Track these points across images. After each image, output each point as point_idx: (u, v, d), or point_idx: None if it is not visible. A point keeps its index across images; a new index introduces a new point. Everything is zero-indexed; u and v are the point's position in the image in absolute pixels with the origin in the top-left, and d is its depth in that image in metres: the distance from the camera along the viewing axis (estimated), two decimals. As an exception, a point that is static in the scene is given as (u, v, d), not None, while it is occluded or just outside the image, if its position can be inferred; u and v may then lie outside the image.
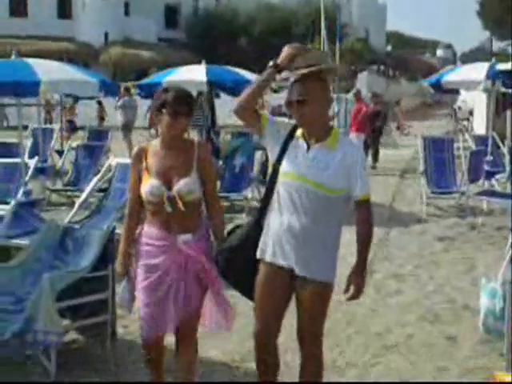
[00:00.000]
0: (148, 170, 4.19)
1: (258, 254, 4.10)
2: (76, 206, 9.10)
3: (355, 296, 4.06)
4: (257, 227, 4.12)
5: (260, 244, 4.09)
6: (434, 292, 7.46)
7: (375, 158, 18.75)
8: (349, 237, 4.30)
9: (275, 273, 4.05)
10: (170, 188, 4.13)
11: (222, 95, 13.04)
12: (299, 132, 4.03)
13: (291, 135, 4.05)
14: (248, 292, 4.20)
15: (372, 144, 18.64)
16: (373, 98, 19.78)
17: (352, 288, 4.02)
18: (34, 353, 5.17)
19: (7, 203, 8.54)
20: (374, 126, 18.66)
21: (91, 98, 19.25)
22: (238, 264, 4.19)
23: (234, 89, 11.74)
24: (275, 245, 4.02)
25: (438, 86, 13.44)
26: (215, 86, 12.23)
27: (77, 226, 8.30)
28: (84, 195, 9.22)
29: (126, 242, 4.36)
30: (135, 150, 4.34)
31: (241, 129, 15.61)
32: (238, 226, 4.33)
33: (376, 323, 6.43)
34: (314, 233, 3.96)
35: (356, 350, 5.79)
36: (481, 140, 15.01)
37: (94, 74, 10.69)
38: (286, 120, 4.38)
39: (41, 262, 5.59)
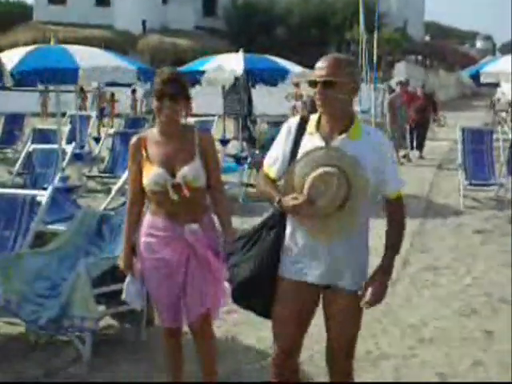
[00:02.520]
0: (149, 159, 4.04)
1: (280, 272, 3.62)
2: (112, 192, 9.10)
3: (373, 303, 3.55)
4: (276, 244, 3.61)
5: (282, 259, 3.60)
6: (471, 285, 7.37)
7: (421, 148, 18.55)
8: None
9: (300, 289, 3.59)
10: (173, 176, 4.00)
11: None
12: (311, 127, 3.54)
13: (302, 128, 3.57)
14: (264, 311, 3.76)
15: (420, 134, 18.42)
16: (421, 88, 19.47)
17: (371, 294, 3.53)
18: (69, 338, 5.24)
19: (45, 189, 8.62)
20: (423, 116, 18.43)
21: (129, 85, 19.43)
22: (254, 292, 3.70)
23: (271, 78, 11.70)
24: (300, 259, 3.56)
25: (477, 78, 13.26)
26: (252, 74, 12.16)
27: (113, 213, 8.41)
28: (120, 182, 9.20)
29: (130, 236, 4.26)
30: (133, 140, 4.13)
31: (277, 118, 15.65)
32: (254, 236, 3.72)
33: (411, 315, 6.36)
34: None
35: (391, 341, 5.73)
36: (520, 132, 14.80)
37: (132, 61, 10.74)
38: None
39: (77, 248, 5.63)
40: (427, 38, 69.36)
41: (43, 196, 5.95)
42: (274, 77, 11.70)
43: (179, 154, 4.04)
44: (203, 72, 11.65)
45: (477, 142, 12.38)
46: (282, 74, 12.05)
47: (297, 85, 21.30)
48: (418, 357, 5.44)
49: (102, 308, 5.34)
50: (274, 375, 3.79)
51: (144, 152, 4.07)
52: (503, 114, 29.80)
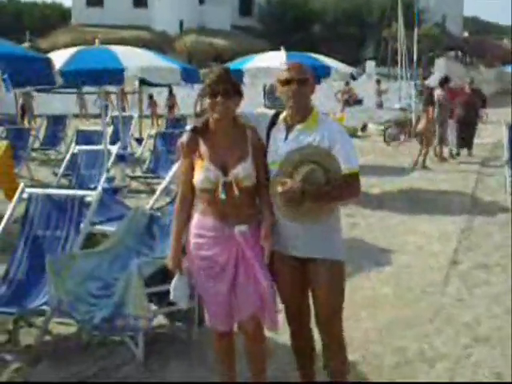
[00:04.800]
0: (201, 156, 4.04)
1: (273, 245, 4.11)
2: (157, 192, 9.08)
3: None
4: None
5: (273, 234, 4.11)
6: (523, 283, 7.23)
7: (470, 145, 18.21)
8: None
9: (285, 261, 4.12)
10: (225, 174, 3.99)
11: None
12: (280, 119, 4.13)
13: (273, 123, 4.16)
14: None
15: (469, 131, 18.06)
16: (469, 83, 19.01)
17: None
18: (122, 338, 5.26)
19: (91, 189, 8.67)
20: (471, 113, 18.08)
21: (168, 86, 19.50)
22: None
23: (314, 75, 11.60)
24: (280, 235, 4.07)
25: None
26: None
27: (159, 213, 8.42)
28: (165, 182, 9.22)
29: (179, 236, 4.23)
30: (185, 136, 4.07)
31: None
32: None
33: (464, 314, 6.26)
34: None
35: (446, 341, 5.64)
36: None
37: (175, 61, 10.75)
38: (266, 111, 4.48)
39: (128, 248, 5.64)
40: (466, 34, 68.49)
41: (92, 196, 5.95)
42: (317, 74, 11.57)
43: (232, 152, 4.03)
44: (245, 71, 11.61)
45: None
46: (325, 71, 11.98)
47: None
48: (474, 356, 5.35)
49: (154, 307, 5.34)
50: (292, 345, 4.46)
51: (196, 148, 4.06)
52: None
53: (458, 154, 17.75)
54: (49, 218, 5.93)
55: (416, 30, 26.54)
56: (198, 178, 4.02)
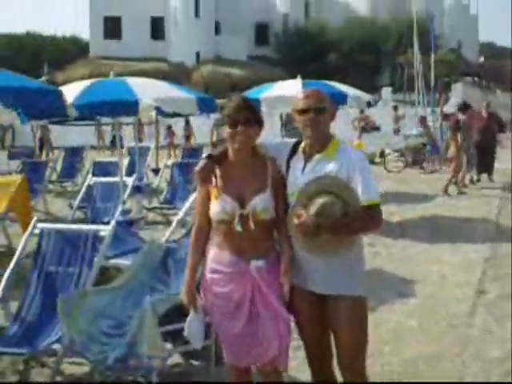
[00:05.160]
0: (218, 187, 3.89)
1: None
2: (174, 223, 8.91)
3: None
4: None
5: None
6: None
7: (490, 170, 17.96)
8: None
9: (303, 296, 3.95)
10: (242, 206, 3.84)
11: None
12: (300, 148, 4.00)
13: (293, 152, 4.02)
14: None
15: (487, 155, 17.81)
16: (486, 107, 18.80)
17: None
18: (135, 378, 5.05)
19: (106, 223, 8.54)
20: (488, 137, 17.84)
21: (185, 116, 19.43)
22: None
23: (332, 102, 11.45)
24: (298, 268, 3.90)
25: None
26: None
27: (175, 245, 8.25)
28: (182, 213, 9.06)
29: (193, 269, 4.07)
30: (202, 165, 3.90)
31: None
32: None
33: (493, 348, 6.00)
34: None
35: (475, 376, 5.39)
36: None
37: (191, 91, 10.64)
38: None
39: (142, 283, 5.45)
40: (481, 59, 68.40)
41: (106, 231, 5.78)
42: (334, 101, 11.42)
43: (251, 184, 3.88)
44: (262, 100, 11.47)
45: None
46: (341, 98, 11.80)
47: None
48: (505, 393, 5.11)
49: (169, 346, 5.13)
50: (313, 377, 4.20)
51: (214, 178, 3.90)
52: None
53: (478, 180, 17.53)
54: (61, 253, 5.74)
55: (432, 55, 26.41)
56: (214, 209, 3.88)
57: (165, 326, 4.88)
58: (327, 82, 12.82)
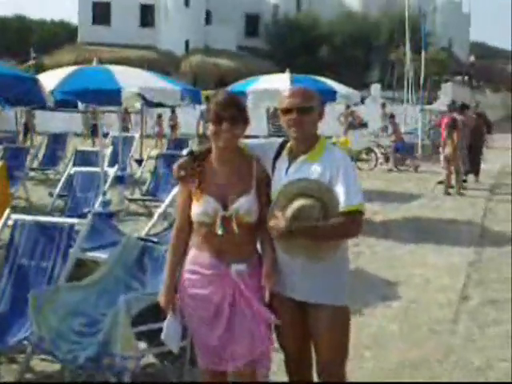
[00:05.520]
0: (201, 187, 3.70)
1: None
2: (155, 217, 8.78)
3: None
4: None
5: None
6: (537, 322, 6.83)
7: (477, 171, 17.89)
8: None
9: (283, 301, 3.76)
10: (225, 207, 3.66)
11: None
12: (286, 149, 3.80)
13: (279, 152, 3.83)
14: None
15: (475, 156, 17.73)
16: (475, 108, 18.73)
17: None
18: (107, 377, 4.88)
19: (85, 213, 8.36)
20: (476, 138, 17.75)
21: (171, 106, 19.20)
22: None
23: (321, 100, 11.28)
24: (279, 273, 3.71)
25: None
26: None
27: (156, 240, 8.07)
28: (163, 206, 8.91)
29: (172, 271, 3.87)
30: (181, 162, 3.73)
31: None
32: None
33: (476, 356, 5.87)
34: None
35: (457, 386, 5.27)
36: None
37: (175, 82, 10.43)
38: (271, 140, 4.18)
39: (117, 281, 5.26)
40: (472, 59, 68.52)
41: (82, 225, 5.59)
42: (323, 98, 11.23)
43: (235, 185, 3.70)
44: (248, 93, 11.27)
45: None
46: (330, 95, 11.62)
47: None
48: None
49: (143, 346, 4.96)
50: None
51: (196, 178, 3.72)
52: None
53: (464, 181, 17.45)
54: (35, 246, 5.55)
55: (423, 53, 26.31)
56: (196, 210, 3.70)
57: (140, 326, 4.71)
58: (317, 77, 12.63)
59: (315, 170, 3.64)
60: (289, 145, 3.81)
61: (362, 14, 55.07)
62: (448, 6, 64.29)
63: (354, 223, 3.61)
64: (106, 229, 7.93)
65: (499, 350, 6.06)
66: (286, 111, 3.68)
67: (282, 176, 3.72)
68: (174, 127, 27.53)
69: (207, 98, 20.29)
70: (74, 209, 9.46)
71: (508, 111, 52.03)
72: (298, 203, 3.56)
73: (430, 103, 34.39)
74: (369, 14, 54.57)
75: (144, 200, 12.46)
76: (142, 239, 8.02)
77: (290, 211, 3.55)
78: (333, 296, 3.69)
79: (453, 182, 15.86)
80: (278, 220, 3.54)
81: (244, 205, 3.65)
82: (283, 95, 3.76)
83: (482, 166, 18.42)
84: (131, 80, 8.89)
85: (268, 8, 57.21)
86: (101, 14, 51.36)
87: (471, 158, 17.43)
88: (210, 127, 3.67)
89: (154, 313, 4.69)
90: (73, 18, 62.53)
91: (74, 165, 12.33)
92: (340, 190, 3.56)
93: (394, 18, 47.07)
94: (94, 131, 25.65)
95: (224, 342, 3.73)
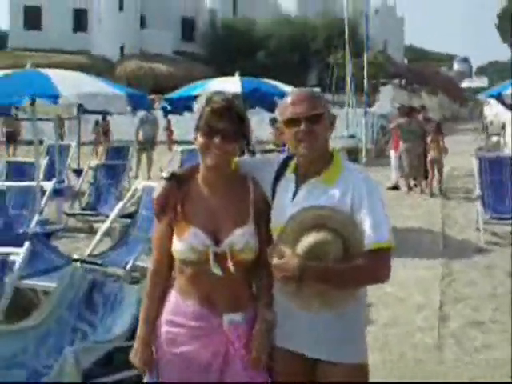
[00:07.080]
0: (184, 217, 2.93)
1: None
2: (97, 235, 7.98)
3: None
4: None
5: None
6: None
7: (426, 175, 17.50)
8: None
9: (285, 357, 2.97)
10: (217, 242, 2.89)
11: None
12: (291, 167, 3.04)
13: (281, 173, 3.05)
14: None
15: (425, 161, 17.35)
16: (421, 110, 18.39)
17: None
18: None
19: (20, 235, 7.52)
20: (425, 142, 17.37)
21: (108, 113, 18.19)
22: None
23: (270, 102, 10.62)
24: (282, 324, 2.96)
25: (500, 100, 12.28)
26: (250, 98, 10.95)
27: (99, 261, 7.25)
28: (107, 223, 8.10)
29: (148, 323, 3.03)
30: (162, 186, 2.98)
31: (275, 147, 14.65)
32: None
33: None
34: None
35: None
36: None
37: (120, 87, 9.57)
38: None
39: (61, 323, 4.44)
40: (405, 62, 69.31)
41: (18, 254, 4.75)
42: (274, 101, 10.52)
43: (228, 213, 2.93)
44: (196, 97, 10.48)
45: (495, 172, 11.26)
46: (283, 97, 10.92)
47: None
48: None
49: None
50: None
51: (178, 205, 2.94)
52: (494, 138, 28.92)
53: (415, 185, 17.02)
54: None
55: (366, 56, 26.05)
56: (179, 246, 2.90)
57: (92, 380, 3.90)
58: (267, 80, 11.96)
59: (332, 196, 2.87)
60: (293, 163, 3.03)
61: (299, 17, 54.92)
62: (382, 10, 64.90)
63: (384, 264, 2.87)
64: (44, 251, 7.08)
65: (491, 378, 5.44)
66: (291, 122, 2.90)
67: (287, 203, 2.94)
68: (106, 133, 26.13)
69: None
70: (9, 228, 8.47)
71: (445, 113, 52.69)
72: (311, 238, 2.80)
73: (369, 106, 34.16)
74: (306, 18, 54.45)
75: (84, 214, 11.52)
76: (85, 261, 7.26)
77: (301, 248, 2.79)
78: (349, 352, 2.94)
79: (434, 182, 15.82)
80: (287, 258, 2.78)
81: (240, 238, 2.88)
82: (285, 103, 2.96)
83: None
84: (70, 86, 8.00)
85: (204, 12, 56.59)
86: (32, 19, 49.91)
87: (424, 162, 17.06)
88: (199, 139, 2.91)
89: (108, 364, 3.91)
90: (3, 24, 60.55)
91: (7, 178, 11.37)
92: (365, 222, 2.81)
93: (332, 23, 46.95)
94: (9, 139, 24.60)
95: None
